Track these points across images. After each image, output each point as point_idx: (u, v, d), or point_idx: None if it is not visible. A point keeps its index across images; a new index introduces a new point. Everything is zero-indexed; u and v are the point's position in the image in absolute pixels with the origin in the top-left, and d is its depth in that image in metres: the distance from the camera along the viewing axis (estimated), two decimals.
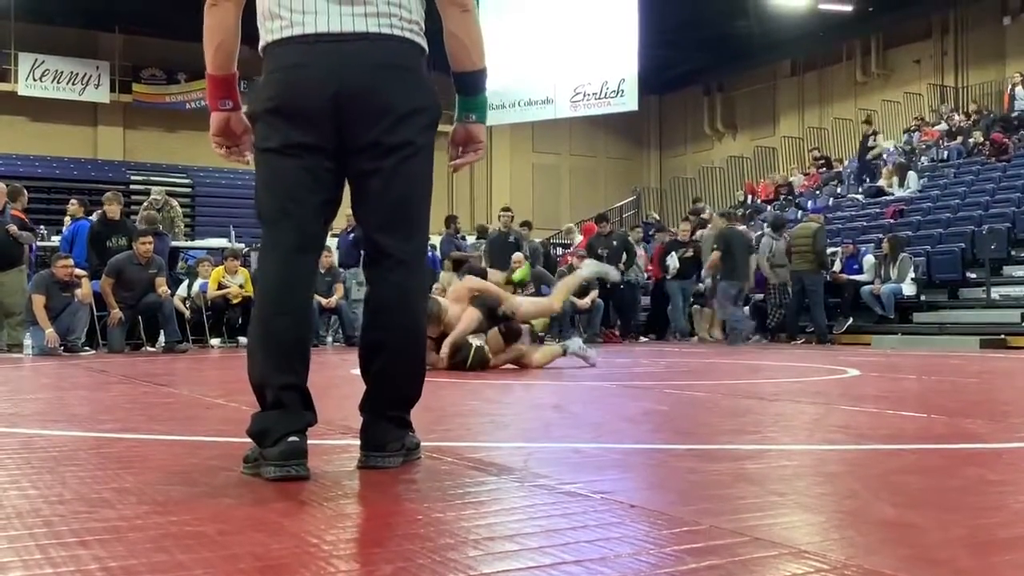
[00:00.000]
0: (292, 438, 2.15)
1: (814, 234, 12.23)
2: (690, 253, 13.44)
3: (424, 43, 2.32)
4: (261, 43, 2.29)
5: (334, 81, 2.19)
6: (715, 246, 12.37)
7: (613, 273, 8.38)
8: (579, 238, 15.60)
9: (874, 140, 20.62)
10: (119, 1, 21.72)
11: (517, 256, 11.90)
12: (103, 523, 1.75)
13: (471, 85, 2.41)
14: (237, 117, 2.37)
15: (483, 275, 7.17)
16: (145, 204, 13.65)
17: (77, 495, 2.03)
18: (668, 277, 13.48)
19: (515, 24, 21.63)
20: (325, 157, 2.24)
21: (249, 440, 2.25)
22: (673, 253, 13.44)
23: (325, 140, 2.23)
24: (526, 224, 15.25)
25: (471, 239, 15.28)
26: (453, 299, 6.61)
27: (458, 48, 2.37)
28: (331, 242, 12.97)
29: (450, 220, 14.66)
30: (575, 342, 7.30)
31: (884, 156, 19.53)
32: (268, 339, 2.22)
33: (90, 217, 11.61)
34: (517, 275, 11.70)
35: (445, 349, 6.28)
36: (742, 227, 13.46)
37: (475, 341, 6.32)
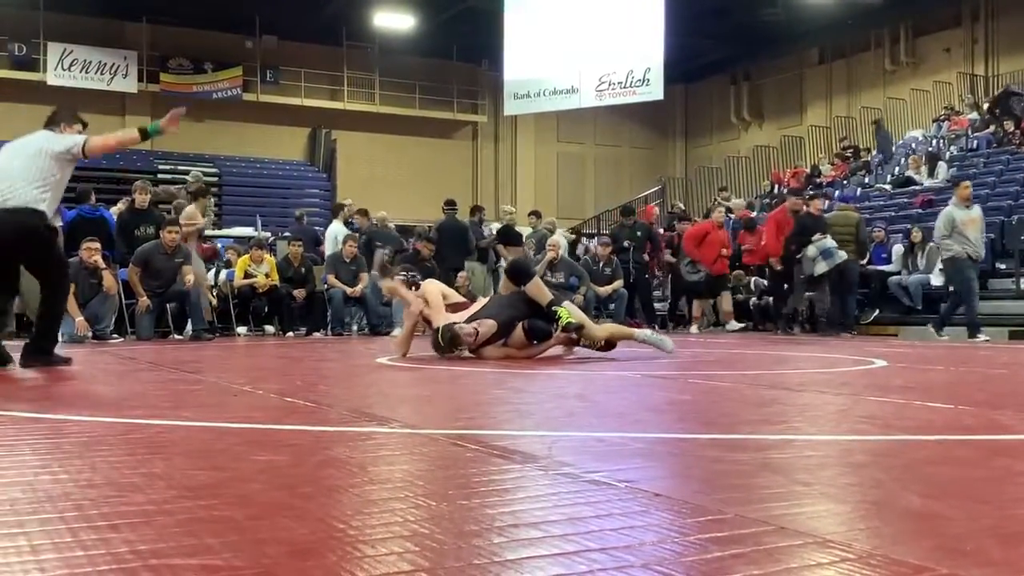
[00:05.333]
0: None
1: (857, 224, 12.14)
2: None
3: (40, 204, 5.31)
4: None
5: (11, 231, 5.24)
6: None
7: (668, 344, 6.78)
8: (559, 235, 15.07)
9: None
10: None
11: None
12: (133, 507, 1.77)
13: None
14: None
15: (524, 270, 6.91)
16: (178, 189, 13.76)
17: (107, 479, 2.06)
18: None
19: (540, 13, 21.57)
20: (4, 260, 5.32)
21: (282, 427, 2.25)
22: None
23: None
24: (534, 213, 15.28)
25: (495, 226, 15.33)
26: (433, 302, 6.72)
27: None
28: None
29: (475, 210, 14.79)
30: (645, 331, 7.10)
31: (914, 145, 19.34)
32: None
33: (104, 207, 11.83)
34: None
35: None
36: None
37: (441, 323, 6.28)
